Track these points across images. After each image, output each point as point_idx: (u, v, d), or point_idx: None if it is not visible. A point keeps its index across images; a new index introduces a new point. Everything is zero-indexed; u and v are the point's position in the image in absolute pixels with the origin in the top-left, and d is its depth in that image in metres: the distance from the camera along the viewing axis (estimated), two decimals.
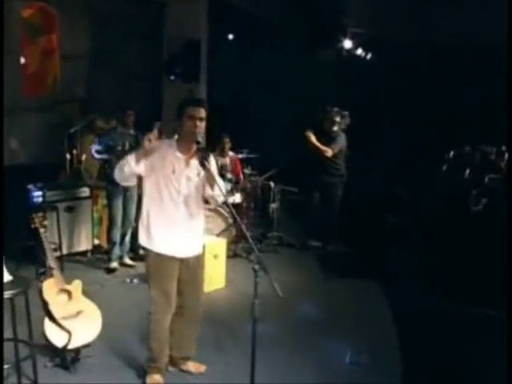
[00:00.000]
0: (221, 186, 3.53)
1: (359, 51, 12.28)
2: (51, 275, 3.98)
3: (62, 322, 3.88)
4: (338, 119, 6.90)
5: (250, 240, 3.20)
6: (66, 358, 3.90)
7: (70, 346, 3.87)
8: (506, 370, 3.04)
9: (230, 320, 5.02)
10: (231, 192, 7.25)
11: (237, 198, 7.48)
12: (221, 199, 3.65)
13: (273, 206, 7.52)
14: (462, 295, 5.34)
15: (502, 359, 3.17)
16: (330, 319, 5.15)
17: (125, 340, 4.44)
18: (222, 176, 7.35)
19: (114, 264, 6.28)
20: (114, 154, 6.09)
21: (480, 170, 6.71)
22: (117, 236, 6.27)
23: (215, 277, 5.71)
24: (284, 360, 4.26)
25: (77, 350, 3.94)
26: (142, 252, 6.63)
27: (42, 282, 3.98)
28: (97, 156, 6.16)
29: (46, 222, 4.12)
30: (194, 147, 3.52)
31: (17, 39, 8.98)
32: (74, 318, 3.95)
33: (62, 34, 9.50)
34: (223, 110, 9.05)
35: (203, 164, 3.38)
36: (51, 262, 4.00)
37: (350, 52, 12.41)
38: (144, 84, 9.33)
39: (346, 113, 7.09)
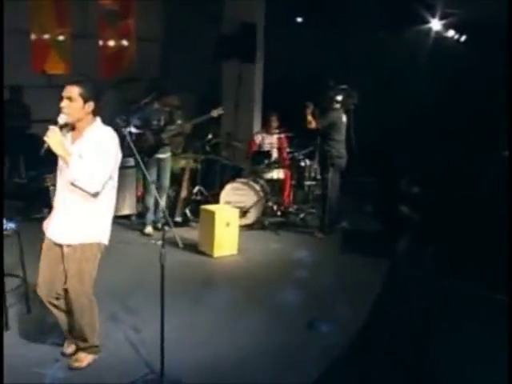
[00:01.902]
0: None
1: (450, 33, 11.67)
2: None
3: None
4: (338, 97, 6.89)
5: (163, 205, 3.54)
6: None
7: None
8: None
9: (237, 282, 5.48)
10: (269, 167, 7.67)
11: (279, 173, 7.88)
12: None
13: (307, 183, 7.81)
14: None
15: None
16: (319, 288, 5.43)
17: (126, 290, 5.03)
18: (266, 153, 7.81)
19: (149, 228, 6.93)
20: (149, 128, 6.72)
21: None
22: (150, 203, 6.91)
23: (226, 243, 6.16)
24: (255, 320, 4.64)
25: None
26: (178, 219, 7.32)
27: None
28: (134, 130, 6.80)
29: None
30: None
31: (95, 24, 9.94)
32: None
33: (137, 18, 10.36)
34: (278, 91, 9.47)
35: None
36: None
37: (440, 34, 12.00)
38: (207, 64, 9.89)
39: (354, 92, 7.09)
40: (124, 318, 4.48)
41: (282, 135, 8.10)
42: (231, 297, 5.10)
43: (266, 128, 8.27)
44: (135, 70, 10.26)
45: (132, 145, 4.21)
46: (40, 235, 3.72)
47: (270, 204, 7.66)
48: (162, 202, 7.04)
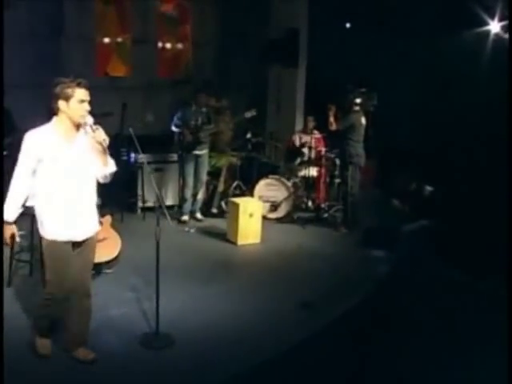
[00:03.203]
0: None
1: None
2: None
3: None
4: (358, 100, 7.29)
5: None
6: None
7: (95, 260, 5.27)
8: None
9: (251, 267, 6.10)
10: (302, 165, 8.19)
11: (312, 171, 8.37)
12: None
13: (337, 181, 8.25)
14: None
15: None
16: (327, 276, 5.91)
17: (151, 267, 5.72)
18: (299, 151, 8.35)
19: (185, 217, 7.62)
20: (187, 128, 7.42)
21: None
22: (188, 194, 7.59)
23: (249, 233, 6.74)
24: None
25: (98, 265, 5.33)
26: (214, 210, 7.97)
27: None
28: (174, 129, 7.51)
29: None
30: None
31: (154, 29, 10.76)
32: (100, 242, 5.33)
33: (193, 23, 11.11)
34: (321, 93, 9.93)
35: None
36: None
37: (499, 36, 11.98)
38: (258, 67, 10.50)
39: (374, 94, 7.47)
40: (143, 290, 5.13)
41: (318, 135, 8.56)
42: (243, 277, 5.70)
43: (303, 128, 8.78)
44: (190, 72, 11.01)
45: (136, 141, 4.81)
46: None
47: (304, 200, 8.17)
48: (200, 195, 7.74)
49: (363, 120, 7.37)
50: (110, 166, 3.71)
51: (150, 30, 10.71)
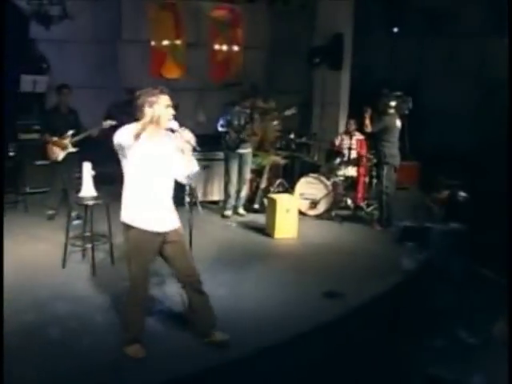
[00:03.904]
0: None
1: None
2: None
3: None
4: (392, 103, 7.56)
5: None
6: None
7: None
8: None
9: (285, 258, 6.55)
10: (341, 165, 8.55)
11: (352, 171, 8.70)
12: None
13: (375, 181, 8.55)
14: None
15: None
16: (355, 269, 6.27)
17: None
18: (338, 152, 8.72)
19: (228, 212, 8.11)
20: (232, 128, 7.91)
21: None
22: (232, 191, 8.07)
23: (286, 227, 7.15)
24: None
25: None
26: (256, 206, 8.43)
27: None
28: (220, 129, 8.00)
29: None
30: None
31: (207, 33, 11.33)
32: None
33: (245, 28, 11.61)
34: (364, 96, 10.25)
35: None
36: None
37: None
38: (306, 70, 10.90)
39: (409, 98, 7.76)
40: None
41: (360, 137, 8.89)
42: (277, 267, 6.15)
43: (345, 130, 9.14)
44: (241, 74, 11.51)
45: None
46: None
47: (343, 198, 8.54)
48: (243, 192, 8.22)
49: (398, 122, 7.66)
50: (194, 166, 3.98)
51: (202, 34, 11.31)
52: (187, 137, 3.89)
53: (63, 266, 5.76)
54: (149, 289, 4.28)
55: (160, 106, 3.86)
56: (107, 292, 5.20)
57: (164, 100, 3.89)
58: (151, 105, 3.85)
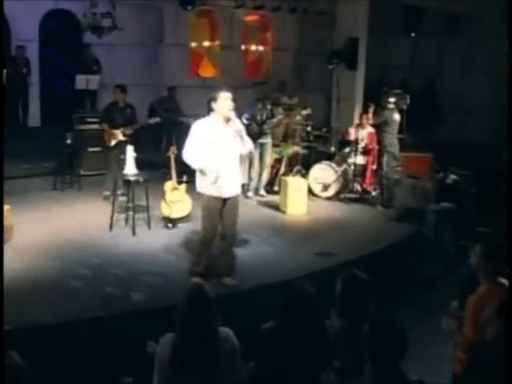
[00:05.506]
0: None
1: None
2: (170, 179, 7.34)
3: (170, 204, 7.22)
4: (392, 99, 8.69)
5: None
6: (168, 221, 7.24)
7: (172, 216, 7.19)
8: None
9: (295, 230, 7.79)
10: (350, 154, 9.72)
11: (360, 159, 9.84)
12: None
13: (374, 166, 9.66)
14: None
15: None
16: (354, 240, 7.42)
17: None
18: (348, 142, 9.89)
19: (250, 193, 9.37)
20: (255, 121, 9.19)
21: None
22: (253, 174, 9.35)
23: (297, 205, 8.38)
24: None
25: (174, 220, 7.24)
26: (276, 188, 9.69)
27: (166, 181, 7.39)
28: (245, 122, 9.26)
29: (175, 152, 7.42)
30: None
31: (239, 37, 12.62)
32: (177, 202, 7.25)
33: (274, 32, 12.87)
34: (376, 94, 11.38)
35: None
36: (173, 174, 7.34)
37: None
38: (325, 71, 12.08)
39: (407, 95, 8.90)
40: None
41: (371, 130, 10.02)
42: (285, 235, 7.42)
43: (358, 124, 10.28)
44: (270, 73, 12.78)
45: None
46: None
47: (352, 183, 9.70)
48: (264, 175, 9.48)
49: (397, 116, 8.81)
50: (248, 146, 5.54)
51: (236, 37, 12.64)
52: (237, 127, 5.36)
53: (110, 229, 7.14)
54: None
55: (220, 99, 5.28)
56: (145, 247, 6.58)
57: (222, 94, 5.29)
58: (215, 99, 5.32)
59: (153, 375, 2.95)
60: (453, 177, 8.52)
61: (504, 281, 3.99)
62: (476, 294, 3.89)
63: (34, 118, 11.12)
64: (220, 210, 5.46)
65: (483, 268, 3.97)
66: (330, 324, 3.54)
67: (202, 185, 5.44)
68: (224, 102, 5.30)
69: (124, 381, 2.97)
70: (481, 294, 3.89)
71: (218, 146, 5.33)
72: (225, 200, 5.45)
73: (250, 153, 9.14)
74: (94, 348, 4.42)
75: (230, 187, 5.44)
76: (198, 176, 5.50)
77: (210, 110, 5.52)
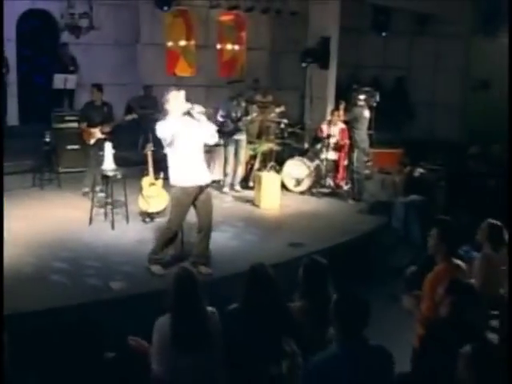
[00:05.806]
0: None
1: None
2: (147, 175, 7.60)
3: (147, 199, 7.48)
4: (362, 97, 9.06)
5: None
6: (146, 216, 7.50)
7: (150, 210, 7.46)
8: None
9: (266, 222, 8.14)
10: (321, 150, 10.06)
11: (332, 155, 10.18)
12: None
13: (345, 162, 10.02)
14: None
15: None
16: (324, 232, 7.77)
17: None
18: (319, 138, 10.24)
19: (225, 189, 9.66)
20: (230, 118, 9.48)
21: None
22: (228, 170, 9.64)
23: (270, 199, 8.68)
24: None
25: (152, 214, 7.51)
26: (250, 184, 9.99)
27: (143, 177, 7.65)
28: (220, 119, 9.55)
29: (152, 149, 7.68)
30: None
31: (214, 37, 12.88)
32: (154, 197, 7.52)
33: (249, 32, 13.15)
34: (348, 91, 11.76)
35: None
36: (150, 170, 7.60)
37: None
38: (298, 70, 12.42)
39: (376, 92, 9.29)
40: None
41: (342, 126, 10.37)
42: (257, 227, 7.77)
43: (330, 120, 10.62)
44: (245, 72, 13.06)
45: None
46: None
47: (324, 178, 10.04)
48: (239, 171, 9.78)
49: (366, 113, 9.19)
50: (213, 138, 5.86)
51: (211, 37, 12.90)
52: (198, 109, 5.61)
53: (90, 223, 7.39)
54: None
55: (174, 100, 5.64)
56: (123, 240, 6.86)
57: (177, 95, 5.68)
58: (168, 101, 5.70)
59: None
60: (420, 170, 8.90)
61: (458, 261, 4.38)
62: (433, 272, 4.26)
63: (12, 116, 11.27)
64: (190, 203, 5.76)
65: (439, 250, 4.35)
66: (293, 305, 3.86)
67: (176, 177, 5.72)
68: (175, 100, 5.61)
69: (107, 356, 3.21)
70: (437, 272, 4.28)
71: (183, 138, 5.59)
72: (199, 191, 5.72)
73: (225, 147, 9.55)
74: (77, 332, 4.65)
75: (202, 174, 5.79)
76: (171, 169, 5.78)
77: (166, 113, 5.76)
